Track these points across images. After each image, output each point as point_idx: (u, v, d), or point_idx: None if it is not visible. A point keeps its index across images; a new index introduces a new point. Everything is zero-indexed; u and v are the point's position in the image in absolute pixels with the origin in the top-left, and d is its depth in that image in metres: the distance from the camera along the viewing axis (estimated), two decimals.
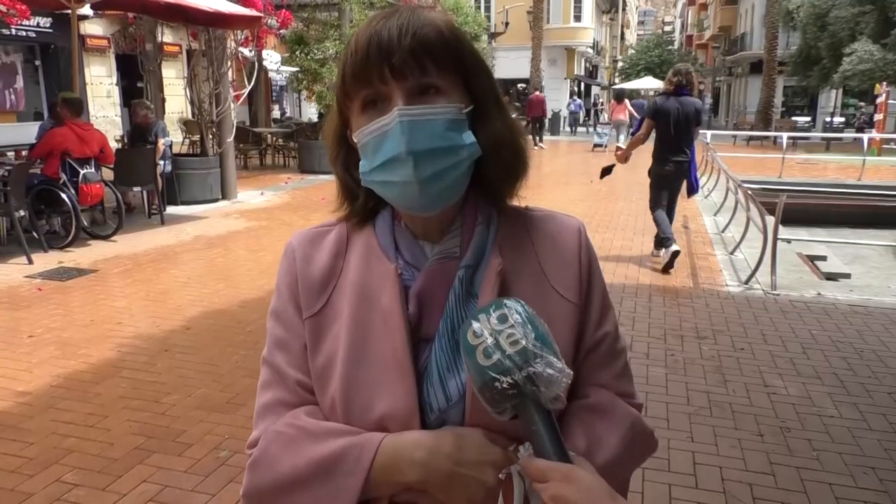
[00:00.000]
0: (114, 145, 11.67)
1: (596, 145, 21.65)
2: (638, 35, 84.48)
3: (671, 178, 6.62)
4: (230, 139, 10.27)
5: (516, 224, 0.94)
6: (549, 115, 26.06)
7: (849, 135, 24.45)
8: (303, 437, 0.85)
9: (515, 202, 0.96)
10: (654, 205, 6.75)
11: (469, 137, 0.86)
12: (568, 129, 31.45)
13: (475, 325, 0.75)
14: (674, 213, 6.85)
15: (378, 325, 0.87)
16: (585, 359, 0.93)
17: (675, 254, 6.42)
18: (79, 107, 7.52)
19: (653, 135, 6.59)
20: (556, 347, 0.75)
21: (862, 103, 32.35)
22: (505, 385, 0.71)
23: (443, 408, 0.84)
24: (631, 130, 14.68)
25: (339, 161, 0.94)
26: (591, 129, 29.80)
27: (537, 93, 24.76)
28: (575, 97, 34.04)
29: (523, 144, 0.93)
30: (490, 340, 0.73)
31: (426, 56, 0.83)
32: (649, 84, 37.78)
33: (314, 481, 0.83)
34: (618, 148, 8.15)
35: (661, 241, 6.71)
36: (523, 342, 0.72)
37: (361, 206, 0.94)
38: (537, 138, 23.13)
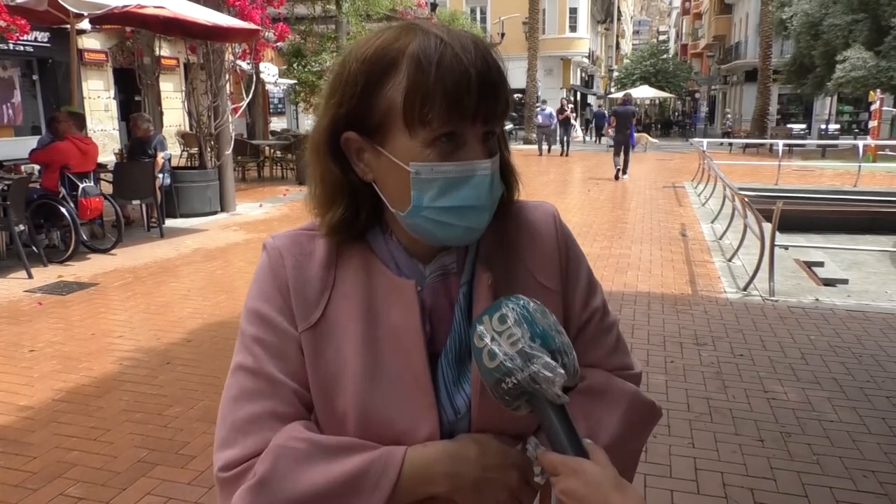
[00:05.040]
0: (112, 159, 11.75)
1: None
2: (633, 45, 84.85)
3: (622, 141, 15.58)
4: (228, 152, 10.30)
5: (494, 226, 0.90)
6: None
7: (845, 142, 24.54)
8: (317, 453, 0.79)
9: None
10: (615, 154, 15.65)
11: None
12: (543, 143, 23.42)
13: (479, 328, 0.77)
14: (628, 158, 15.71)
15: (387, 340, 0.85)
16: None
17: (623, 171, 15.49)
18: (82, 121, 7.60)
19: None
20: (560, 339, 0.76)
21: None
22: (510, 385, 0.73)
23: (451, 421, 0.85)
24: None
25: (329, 156, 0.85)
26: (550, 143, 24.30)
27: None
28: (543, 106, 25.02)
29: (512, 161, 0.93)
30: (492, 343, 0.75)
31: (508, 106, 0.83)
32: (645, 93, 37.91)
33: (337, 501, 0.78)
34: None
35: (618, 171, 15.41)
36: (520, 343, 0.73)
37: (352, 216, 0.87)
38: (546, 145, 26.18)
